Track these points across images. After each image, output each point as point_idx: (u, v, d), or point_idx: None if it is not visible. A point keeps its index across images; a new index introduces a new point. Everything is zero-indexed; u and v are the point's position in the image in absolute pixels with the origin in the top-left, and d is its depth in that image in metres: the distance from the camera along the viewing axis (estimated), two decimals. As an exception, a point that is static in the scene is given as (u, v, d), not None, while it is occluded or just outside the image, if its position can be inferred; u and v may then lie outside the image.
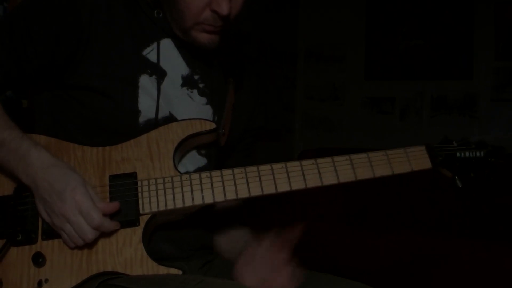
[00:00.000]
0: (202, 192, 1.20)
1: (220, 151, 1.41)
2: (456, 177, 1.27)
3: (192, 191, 1.20)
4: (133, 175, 1.22)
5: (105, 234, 1.17)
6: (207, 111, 1.39)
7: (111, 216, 1.17)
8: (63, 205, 1.11)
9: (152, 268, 1.15)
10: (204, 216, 1.40)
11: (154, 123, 1.29)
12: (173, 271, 1.16)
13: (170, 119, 1.32)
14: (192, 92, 1.37)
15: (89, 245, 1.16)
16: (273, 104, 4.48)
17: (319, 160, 1.23)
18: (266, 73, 4.30)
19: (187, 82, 1.36)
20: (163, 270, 1.16)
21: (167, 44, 1.33)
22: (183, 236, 1.35)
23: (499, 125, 4.38)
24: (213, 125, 1.28)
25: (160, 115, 1.30)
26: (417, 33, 4.65)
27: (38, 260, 1.14)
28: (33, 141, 1.18)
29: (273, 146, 4.38)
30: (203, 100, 1.39)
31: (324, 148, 3.94)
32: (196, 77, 1.38)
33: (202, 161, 1.39)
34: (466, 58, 4.49)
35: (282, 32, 4.67)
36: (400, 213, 3.14)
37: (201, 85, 1.39)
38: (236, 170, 1.23)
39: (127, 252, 1.16)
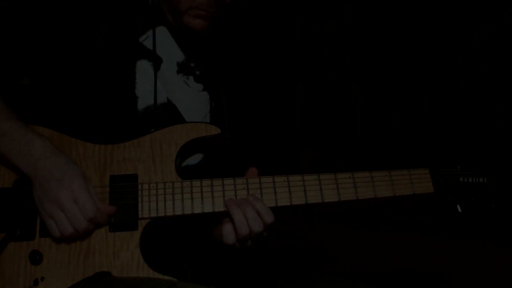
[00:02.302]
0: (202, 201, 1.20)
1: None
2: (457, 202, 1.27)
3: (192, 199, 1.20)
4: (134, 177, 1.21)
5: (102, 235, 1.17)
6: (204, 97, 1.41)
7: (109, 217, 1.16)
8: (59, 192, 1.11)
9: (147, 274, 1.15)
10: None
11: (154, 110, 1.29)
12: (168, 278, 1.16)
13: (169, 106, 1.32)
14: (188, 78, 1.38)
15: (87, 245, 1.16)
16: (273, 104, 4.46)
17: (322, 176, 1.23)
18: (266, 73, 4.27)
19: (183, 69, 1.37)
20: (158, 277, 1.15)
21: (162, 31, 1.35)
22: (185, 234, 1.36)
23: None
24: (218, 130, 1.27)
25: (159, 101, 1.30)
26: (417, 33, 4.60)
27: (35, 258, 1.14)
28: (37, 132, 1.18)
29: (273, 146, 4.36)
30: (200, 86, 1.40)
31: (324, 147, 3.93)
32: (192, 64, 1.39)
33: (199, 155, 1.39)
34: (466, 58, 4.46)
35: (282, 32, 4.62)
36: (401, 214, 3.14)
37: (197, 72, 1.40)
38: (238, 181, 1.22)
39: (124, 256, 1.16)
